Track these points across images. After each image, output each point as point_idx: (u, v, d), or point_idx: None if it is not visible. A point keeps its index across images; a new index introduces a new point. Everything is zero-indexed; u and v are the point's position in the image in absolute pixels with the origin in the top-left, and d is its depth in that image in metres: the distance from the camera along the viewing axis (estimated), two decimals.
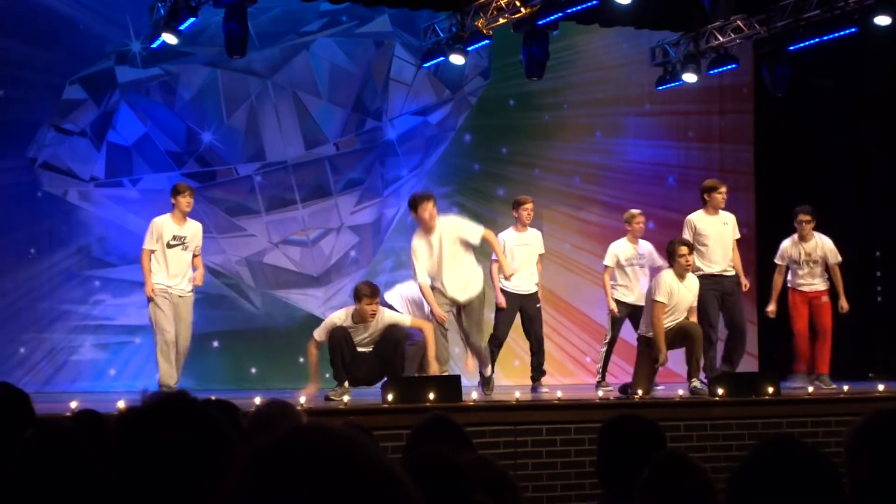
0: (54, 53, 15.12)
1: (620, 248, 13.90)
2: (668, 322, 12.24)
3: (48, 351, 14.86)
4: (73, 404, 8.53)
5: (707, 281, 13.08)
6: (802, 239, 14.13)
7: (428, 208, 12.15)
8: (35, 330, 14.83)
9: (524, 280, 13.46)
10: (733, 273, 13.51)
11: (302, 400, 10.18)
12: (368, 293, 11.63)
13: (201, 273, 12.61)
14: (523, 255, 13.40)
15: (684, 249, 12.34)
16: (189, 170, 15.54)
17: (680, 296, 12.29)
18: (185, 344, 12.25)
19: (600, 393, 12.71)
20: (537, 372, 13.42)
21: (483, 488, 3.43)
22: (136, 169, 15.35)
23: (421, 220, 12.17)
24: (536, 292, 13.64)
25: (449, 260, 12.16)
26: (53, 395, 12.78)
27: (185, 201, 12.30)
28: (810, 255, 14.12)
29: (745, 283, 13.54)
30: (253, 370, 15.29)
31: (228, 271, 15.82)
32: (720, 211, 13.61)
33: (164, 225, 12.20)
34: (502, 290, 13.32)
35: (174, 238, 12.18)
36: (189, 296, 12.34)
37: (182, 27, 13.92)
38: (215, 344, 15.54)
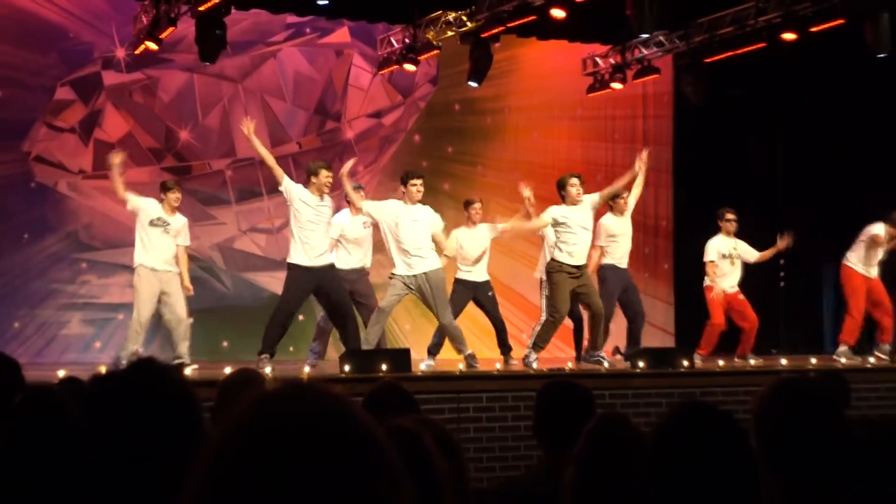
0: (47, 58, 15.03)
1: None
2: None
3: (39, 326, 14.80)
4: (61, 373, 8.45)
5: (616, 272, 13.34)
6: (729, 235, 14.18)
7: (417, 185, 12.07)
8: (28, 307, 14.75)
9: (477, 270, 13.48)
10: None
11: (268, 370, 10.21)
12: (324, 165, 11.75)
13: (186, 272, 12.32)
14: (475, 248, 13.40)
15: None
16: (167, 164, 15.51)
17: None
18: (181, 315, 12.02)
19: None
20: (505, 347, 13.31)
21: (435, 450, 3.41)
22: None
23: (409, 194, 12.02)
24: (489, 281, 13.63)
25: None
26: (44, 366, 12.68)
27: (175, 196, 12.11)
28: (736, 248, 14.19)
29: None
30: (224, 343, 15.26)
31: (202, 255, 15.75)
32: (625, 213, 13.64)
33: (152, 205, 12.00)
34: (459, 279, 13.31)
35: (158, 219, 11.91)
36: (174, 272, 12.06)
37: (162, 36, 13.89)
38: (191, 320, 15.45)
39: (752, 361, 13.74)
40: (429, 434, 3.55)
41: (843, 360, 13.69)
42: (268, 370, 10.26)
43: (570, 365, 12.62)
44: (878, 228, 13.93)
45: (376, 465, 1.37)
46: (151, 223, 11.89)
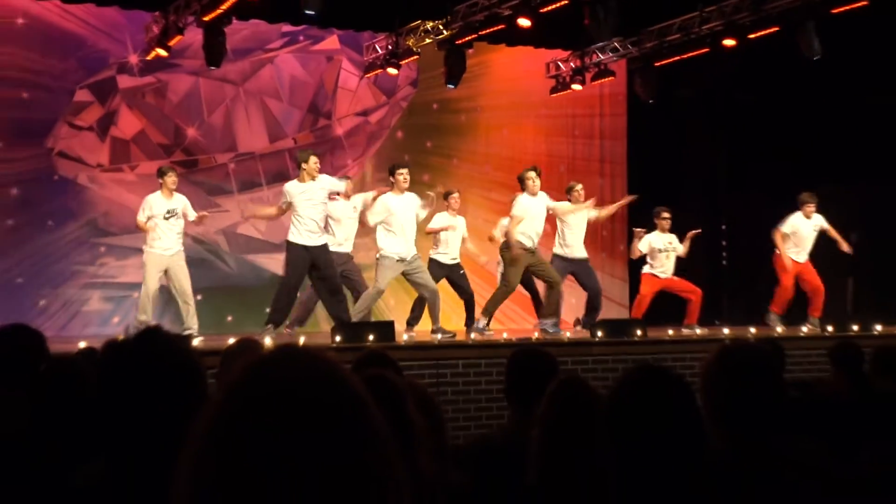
0: (67, 64, 14.95)
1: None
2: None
3: (63, 303, 14.74)
4: (82, 344, 8.40)
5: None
6: (664, 231, 14.23)
7: (404, 174, 12.07)
8: (52, 286, 14.69)
9: (452, 252, 13.49)
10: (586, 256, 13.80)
11: (267, 339, 10.16)
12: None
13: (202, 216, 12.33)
14: (454, 234, 13.41)
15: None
16: (176, 158, 15.43)
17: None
18: (186, 289, 11.95)
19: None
20: (470, 320, 13.28)
21: (413, 404, 3.40)
22: (134, 157, 15.24)
23: (396, 183, 12.04)
24: (459, 262, 13.64)
25: (409, 222, 12.07)
26: (68, 339, 12.63)
27: (171, 180, 12.03)
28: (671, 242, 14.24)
29: None
30: (229, 318, 15.21)
31: (208, 240, 15.75)
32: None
33: (155, 202, 11.97)
34: (434, 259, 13.33)
35: (168, 212, 11.90)
36: (180, 252, 12.02)
37: (171, 43, 13.84)
38: (199, 297, 15.29)
39: (698, 331, 13.77)
40: (412, 392, 3.55)
41: (779, 329, 13.77)
42: (267, 340, 10.21)
43: (536, 335, 12.61)
44: (795, 219, 14.10)
45: (362, 422, 1.34)
46: (165, 217, 11.85)
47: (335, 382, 1.36)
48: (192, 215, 12.16)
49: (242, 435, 1.30)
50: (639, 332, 12.12)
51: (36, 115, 14.71)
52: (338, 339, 10.43)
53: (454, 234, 13.53)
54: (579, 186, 13.78)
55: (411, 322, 13.23)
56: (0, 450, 3.79)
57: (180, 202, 12.08)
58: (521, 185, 12.74)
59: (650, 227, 14.22)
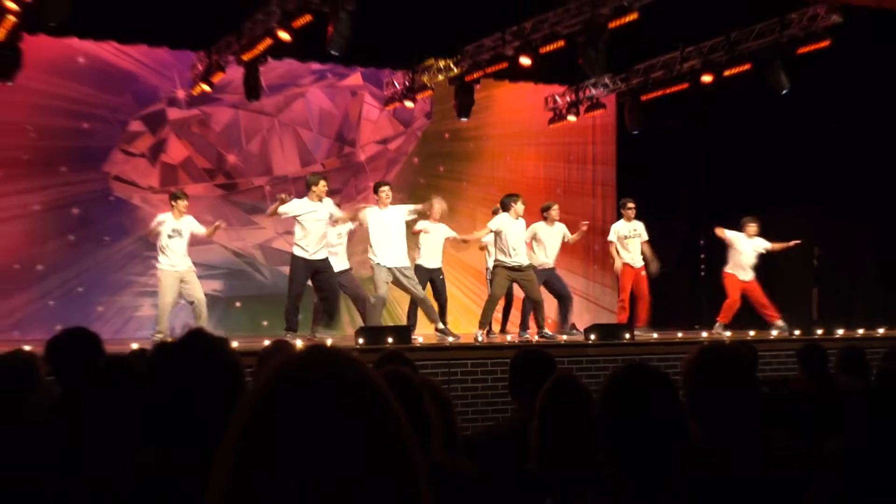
0: (123, 98, 14.98)
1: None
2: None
3: (118, 310, 14.76)
4: (134, 346, 8.41)
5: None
6: (629, 220, 14.32)
7: (386, 190, 12.15)
8: (108, 294, 14.71)
9: (435, 259, 13.43)
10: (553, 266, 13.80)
11: (298, 342, 10.15)
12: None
13: (211, 231, 12.26)
14: (433, 239, 13.31)
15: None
16: (218, 181, 15.49)
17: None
18: (200, 297, 11.88)
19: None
20: (443, 323, 13.04)
21: (428, 398, 3.41)
22: (181, 180, 15.21)
23: (380, 199, 12.12)
24: (440, 267, 13.58)
25: (398, 232, 12.08)
26: (122, 341, 12.65)
27: (184, 204, 11.92)
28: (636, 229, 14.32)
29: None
30: (264, 323, 15.16)
31: (247, 253, 15.76)
32: (556, 223, 13.86)
33: (167, 219, 11.83)
34: (419, 265, 13.16)
35: (173, 231, 11.77)
36: (190, 269, 11.93)
37: (214, 80, 13.89)
38: (238, 304, 15.52)
39: (680, 334, 13.75)
40: (427, 388, 3.56)
41: (728, 334, 13.74)
42: (298, 342, 10.21)
43: (535, 338, 12.60)
44: (738, 241, 14.19)
45: (383, 411, 1.34)
46: (169, 236, 11.77)
47: (358, 376, 1.36)
48: (201, 230, 12.13)
49: (275, 424, 1.30)
50: (627, 336, 12.12)
51: (94, 144, 14.75)
52: (361, 341, 10.45)
53: (433, 240, 13.39)
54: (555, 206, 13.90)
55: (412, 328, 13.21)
56: (62, 439, 3.80)
57: (187, 224, 11.98)
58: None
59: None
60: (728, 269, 14.45)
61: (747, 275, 14.26)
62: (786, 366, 11.46)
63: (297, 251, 11.68)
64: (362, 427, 1.30)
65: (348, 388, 1.33)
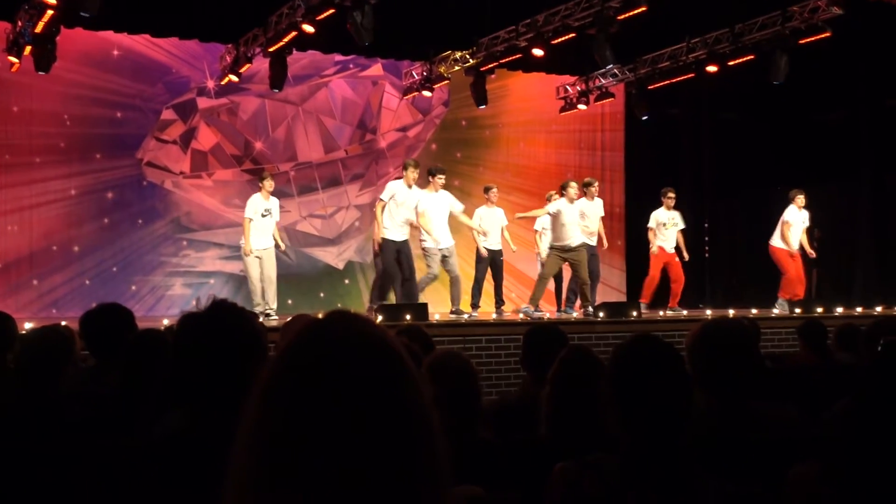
0: (155, 88, 15.00)
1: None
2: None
3: (151, 288, 14.81)
4: (166, 322, 8.45)
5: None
6: (668, 209, 14.26)
7: (442, 177, 12.31)
8: (142, 274, 14.76)
9: (495, 240, 13.43)
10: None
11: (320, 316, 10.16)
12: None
13: (279, 236, 12.46)
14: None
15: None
16: (246, 167, 15.49)
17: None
18: (272, 276, 12.10)
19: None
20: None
21: (457, 375, 3.45)
22: (211, 166, 15.28)
23: (433, 183, 12.22)
24: (501, 249, 13.57)
25: (445, 216, 12.26)
26: (155, 318, 12.73)
27: (269, 184, 12.21)
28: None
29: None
30: (289, 301, 15.19)
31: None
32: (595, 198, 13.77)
33: (258, 201, 12.11)
34: (485, 248, 13.22)
35: (265, 210, 12.08)
36: (271, 248, 12.21)
37: (241, 71, 13.89)
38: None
39: (685, 312, 13.72)
40: (456, 361, 3.58)
41: (754, 311, 13.70)
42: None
43: (547, 315, 12.58)
44: (788, 213, 14.05)
45: (402, 369, 1.32)
46: (262, 215, 12.04)
47: (375, 335, 1.34)
48: (277, 217, 12.40)
49: (299, 379, 1.28)
50: (634, 313, 12.09)
51: (128, 131, 14.78)
52: (380, 318, 10.42)
53: (494, 223, 13.47)
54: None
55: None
56: (99, 406, 3.83)
57: (274, 204, 12.29)
58: (562, 192, 13.00)
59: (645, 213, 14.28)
60: (773, 241, 14.24)
61: (796, 246, 14.11)
62: (787, 342, 11.41)
63: (386, 233, 11.91)
64: (381, 382, 1.29)
65: (366, 345, 1.32)
